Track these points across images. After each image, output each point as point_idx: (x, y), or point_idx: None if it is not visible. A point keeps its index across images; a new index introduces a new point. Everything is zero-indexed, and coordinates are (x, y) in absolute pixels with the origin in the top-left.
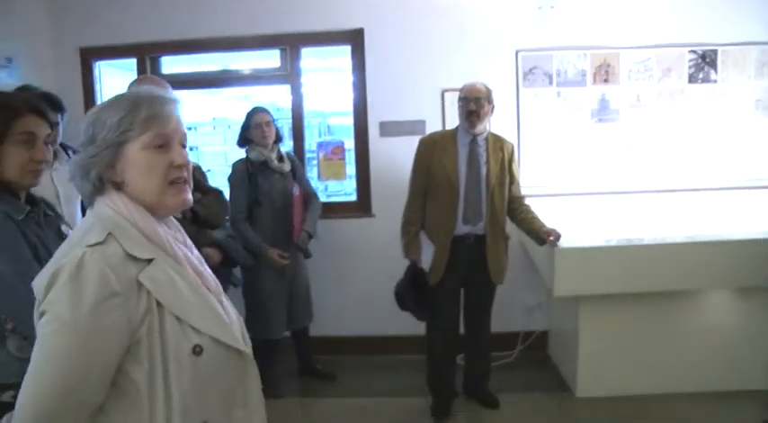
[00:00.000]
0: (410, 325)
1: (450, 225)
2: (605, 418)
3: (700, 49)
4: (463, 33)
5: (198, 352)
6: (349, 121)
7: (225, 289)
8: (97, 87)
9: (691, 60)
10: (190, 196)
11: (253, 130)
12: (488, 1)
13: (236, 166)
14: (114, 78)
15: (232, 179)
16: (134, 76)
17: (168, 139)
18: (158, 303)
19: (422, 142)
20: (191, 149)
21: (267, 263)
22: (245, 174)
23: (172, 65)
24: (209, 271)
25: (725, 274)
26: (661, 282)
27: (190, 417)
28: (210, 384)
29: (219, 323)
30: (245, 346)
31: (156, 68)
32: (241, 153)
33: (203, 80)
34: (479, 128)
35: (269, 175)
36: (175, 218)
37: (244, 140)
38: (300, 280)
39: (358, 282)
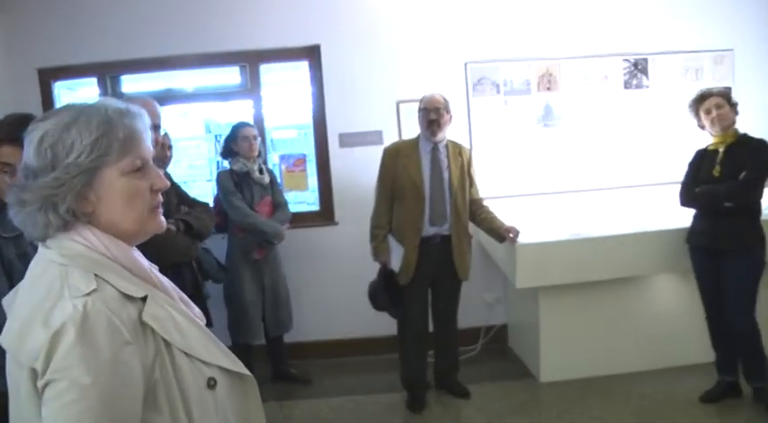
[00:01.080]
0: (379, 326)
1: (418, 227)
2: (569, 399)
3: (632, 58)
4: (415, 47)
5: (212, 385)
6: (291, 134)
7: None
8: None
9: (624, 68)
10: (164, 219)
11: (240, 142)
12: (438, 16)
13: (222, 175)
14: (73, 98)
15: (224, 185)
16: (93, 94)
17: (145, 161)
18: (165, 342)
19: (386, 151)
20: None
21: (247, 268)
22: (231, 182)
23: (131, 83)
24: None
25: (666, 260)
26: (611, 270)
27: None
28: (226, 414)
29: (222, 351)
30: (246, 369)
31: (116, 87)
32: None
33: (164, 97)
34: (440, 136)
35: (251, 185)
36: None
37: (228, 152)
38: (280, 286)
39: (325, 287)
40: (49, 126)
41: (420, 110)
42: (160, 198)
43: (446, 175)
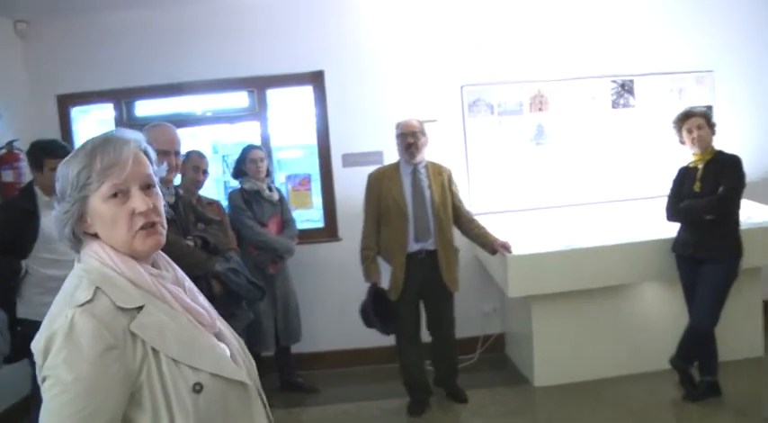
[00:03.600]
0: (383, 336)
1: (404, 244)
2: (560, 402)
3: (619, 79)
4: (414, 72)
5: (198, 390)
6: (298, 153)
7: (235, 328)
8: (74, 131)
9: (612, 89)
10: (162, 238)
11: (249, 164)
12: (435, 43)
13: (233, 194)
14: (89, 123)
15: (235, 204)
16: (109, 117)
17: (125, 187)
18: (153, 349)
19: (371, 176)
20: None
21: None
22: (242, 200)
23: (145, 107)
24: (205, 302)
25: (652, 268)
26: (600, 279)
27: None
28: (214, 420)
29: (217, 358)
30: (248, 378)
31: (130, 112)
32: None
33: (175, 121)
34: (418, 158)
35: (261, 202)
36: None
37: (238, 173)
38: (291, 298)
39: (330, 300)
40: (63, 162)
41: (397, 135)
42: (152, 218)
43: (427, 193)
